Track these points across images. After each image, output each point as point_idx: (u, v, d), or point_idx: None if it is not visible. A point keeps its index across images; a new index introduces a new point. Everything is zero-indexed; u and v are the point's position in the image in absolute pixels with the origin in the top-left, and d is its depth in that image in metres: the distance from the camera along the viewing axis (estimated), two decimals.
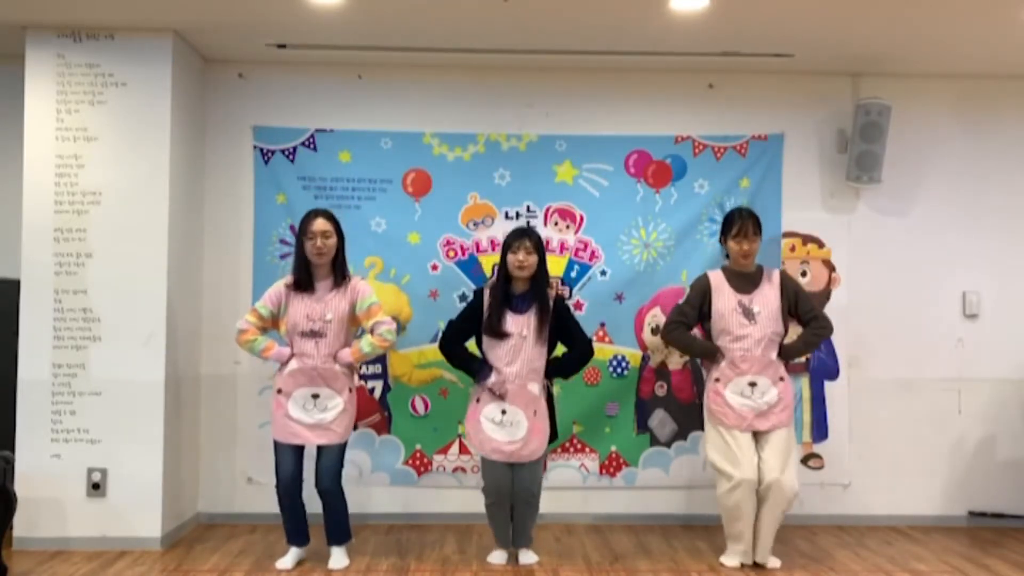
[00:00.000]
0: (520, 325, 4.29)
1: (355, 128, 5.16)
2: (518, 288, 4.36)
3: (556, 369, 4.43)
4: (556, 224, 5.16)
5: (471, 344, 4.48)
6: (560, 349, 4.47)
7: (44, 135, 4.63)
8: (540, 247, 4.36)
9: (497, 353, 4.31)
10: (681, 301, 4.54)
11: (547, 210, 5.17)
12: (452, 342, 4.44)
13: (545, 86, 5.21)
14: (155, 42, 4.66)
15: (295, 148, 5.14)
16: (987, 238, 5.30)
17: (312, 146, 5.15)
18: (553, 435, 4.40)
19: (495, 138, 5.19)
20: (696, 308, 4.46)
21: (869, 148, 5.09)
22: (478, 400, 4.34)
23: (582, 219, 5.19)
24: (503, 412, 4.27)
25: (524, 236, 4.33)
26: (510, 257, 4.31)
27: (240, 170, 5.16)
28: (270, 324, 4.32)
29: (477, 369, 4.36)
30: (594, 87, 5.22)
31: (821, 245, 5.27)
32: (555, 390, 4.52)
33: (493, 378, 4.29)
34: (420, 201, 5.16)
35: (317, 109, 5.17)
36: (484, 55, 4.99)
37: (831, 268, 5.26)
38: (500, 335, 4.29)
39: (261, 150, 5.15)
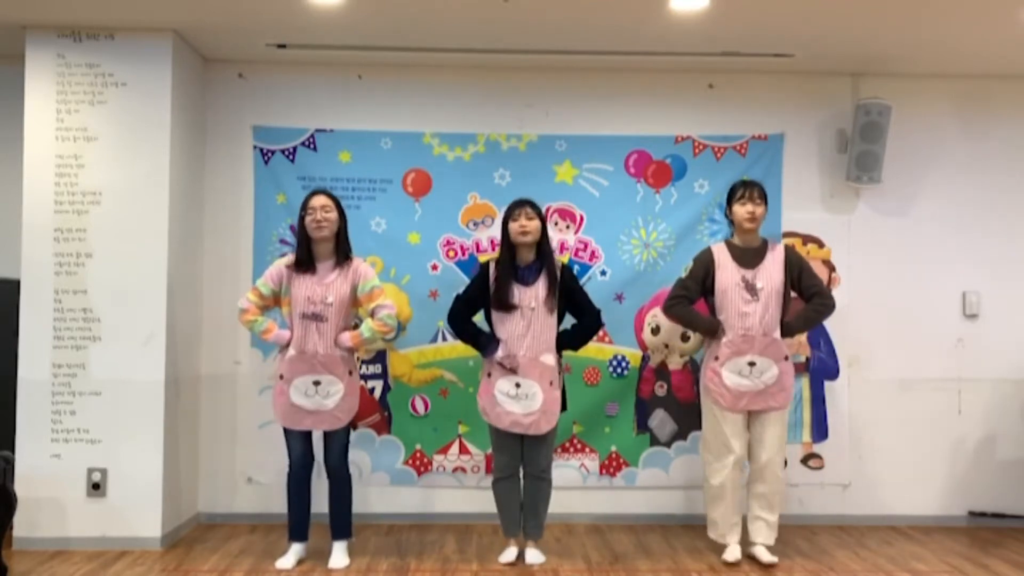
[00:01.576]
0: (529, 297, 4.26)
1: (355, 128, 5.16)
2: (524, 259, 4.33)
3: (565, 341, 4.39)
4: (556, 224, 5.16)
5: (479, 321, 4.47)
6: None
7: (44, 135, 4.63)
8: (540, 214, 4.32)
9: (507, 327, 4.27)
10: (683, 275, 4.50)
11: (547, 210, 5.15)
12: (459, 316, 4.41)
13: (545, 86, 5.22)
14: (155, 42, 4.66)
15: (295, 148, 5.14)
16: (987, 238, 5.30)
17: (312, 146, 5.15)
18: (563, 407, 4.36)
19: (495, 138, 5.19)
20: (699, 282, 4.43)
21: (869, 148, 5.09)
22: (489, 375, 4.31)
23: (582, 219, 5.19)
24: (517, 385, 4.24)
25: (523, 204, 4.30)
26: (512, 225, 4.28)
27: (240, 170, 5.16)
28: (271, 303, 4.31)
29: (485, 343, 4.32)
30: (594, 87, 5.22)
31: (821, 245, 5.27)
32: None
33: (502, 352, 4.27)
34: (420, 201, 5.16)
35: (317, 109, 5.17)
36: (484, 55, 4.99)
37: (831, 268, 5.26)
38: (509, 307, 4.26)
39: (261, 150, 5.15)
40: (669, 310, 4.50)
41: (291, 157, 5.14)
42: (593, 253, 5.17)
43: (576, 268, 5.10)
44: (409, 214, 5.15)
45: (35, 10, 4.45)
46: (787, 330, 4.42)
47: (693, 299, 4.46)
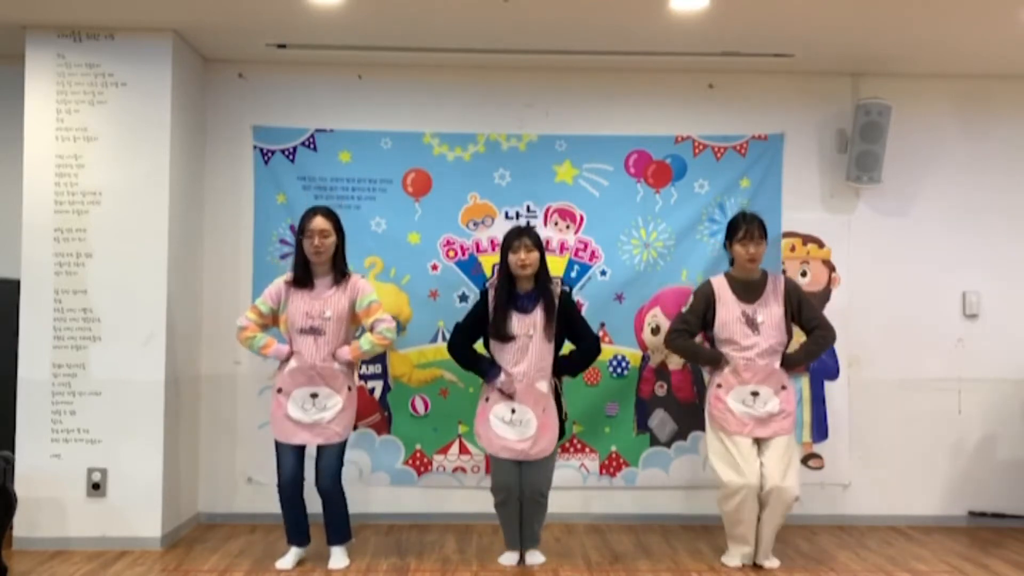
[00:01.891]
0: (526, 325, 4.28)
1: (355, 128, 5.16)
2: (522, 287, 4.34)
3: (564, 367, 4.41)
4: (556, 224, 5.16)
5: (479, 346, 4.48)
6: (567, 350, 4.47)
7: (44, 135, 4.63)
8: (539, 243, 4.34)
9: (504, 354, 4.29)
10: (684, 309, 4.51)
11: (547, 210, 5.16)
12: (459, 344, 4.43)
13: (545, 86, 5.22)
14: (155, 42, 4.66)
15: (295, 148, 5.14)
16: (987, 238, 5.30)
17: (312, 146, 5.15)
18: (560, 432, 4.37)
19: (495, 138, 5.19)
20: (699, 316, 4.44)
21: (869, 148, 5.09)
22: (487, 399, 4.33)
23: (582, 219, 5.19)
24: (512, 411, 4.26)
25: (523, 235, 4.31)
26: (511, 257, 4.29)
27: (240, 170, 5.16)
28: (270, 321, 4.32)
29: (486, 369, 4.34)
30: (594, 87, 5.22)
31: (821, 245, 5.27)
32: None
33: (502, 378, 4.28)
34: (420, 201, 5.16)
35: (317, 109, 5.17)
36: (484, 55, 4.99)
37: (831, 268, 5.26)
38: (506, 338, 4.28)
39: (261, 150, 5.15)
40: (671, 344, 4.51)
41: (291, 157, 5.14)
42: (593, 253, 5.17)
43: (576, 268, 5.11)
44: (409, 214, 5.15)
45: (35, 10, 4.45)
46: (788, 363, 4.41)
47: (694, 332, 4.47)
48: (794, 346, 4.50)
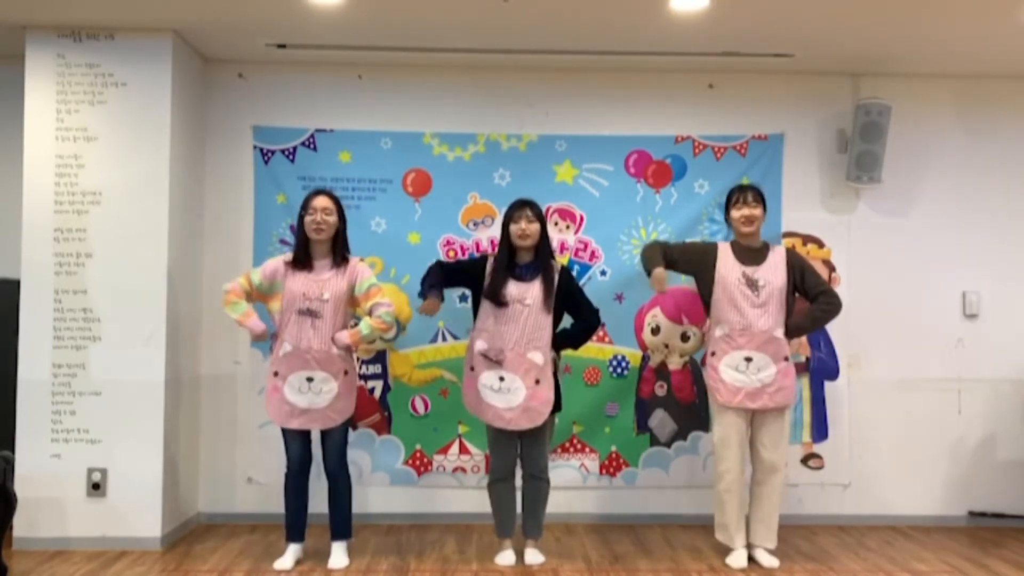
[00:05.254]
0: (522, 292, 4.26)
1: (355, 128, 5.16)
2: (522, 259, 4.34)
3: (564, 340, 4.41)
4: (556, 224, 5.16)
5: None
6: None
7: (44, 135, 4.63)
8: (541, 217, 4.34)
9: (492, 321, 4.26)
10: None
11: (547, 210, 5.13)
12: (433, 271, 4.36)
13: (545, 86, 5.22)
14: (155, 42, 4.66)
15: (295, 148, 5.15)
16: (987, 238, 5.30)
17: (312, 146, 5.15)
18: (557, 406, 4.35)
19: (495, 138, 5.20)
20: (683, 252, 4.47)
21: (869, 148, 5.09)
22: (472, 368, 4.31)
23: (582, 219, 5.19)
24: (500, 379, 4.24)
25: (525, 206, 4.32)
26: (512, 227, 4.30)
27: (240, 170, 5.16)
28: (256, 295, 4.27)
29: (431, 285, 4.28)
30: (594, 87, 5.22)
31: (821, 245, 5.27)
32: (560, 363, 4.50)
33: (486, 344, 4.26)
34: (420, 201, 5.16)
35: (317, 109, 5.17)
36: (484, 55, 4.99)
37: (831, 268, 5.26)
38: (499, 302, 4.25)
39: (261, 150, 5.15)
40: (643, 250, 4.52)
41: (291, 157, 5.14)
42: (593, 253, 5.17)
43: (576, 268, 5.11)
44: (409, 214, 5.15)
45: (35, 10, 4.45)
46: (794, 330, 4.41)
47: (667, 255, 4.42)
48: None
